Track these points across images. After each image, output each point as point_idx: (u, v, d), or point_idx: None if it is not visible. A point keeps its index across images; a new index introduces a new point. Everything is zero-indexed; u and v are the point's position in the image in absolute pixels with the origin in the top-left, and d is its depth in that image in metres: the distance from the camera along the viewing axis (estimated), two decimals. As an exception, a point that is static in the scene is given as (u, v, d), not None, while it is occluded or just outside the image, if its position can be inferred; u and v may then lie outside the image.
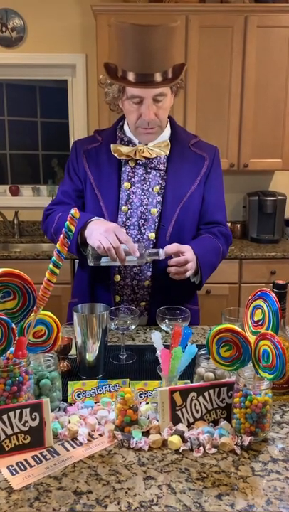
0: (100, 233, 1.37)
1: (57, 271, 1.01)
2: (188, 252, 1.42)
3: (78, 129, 3.45)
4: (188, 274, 1.43)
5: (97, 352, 1.22)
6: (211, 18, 2.96)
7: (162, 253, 1.41)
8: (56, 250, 1.00)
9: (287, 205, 3.37)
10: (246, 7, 3.01)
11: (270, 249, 3.10)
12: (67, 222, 1.00)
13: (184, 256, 1.41)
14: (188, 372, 1.15)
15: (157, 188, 1.55)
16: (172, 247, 1.41)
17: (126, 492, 0.84)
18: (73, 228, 1.00)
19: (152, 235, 1.54)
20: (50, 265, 1.01)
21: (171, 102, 1.53)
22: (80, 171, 1.62)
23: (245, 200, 3.42)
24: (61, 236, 1.00)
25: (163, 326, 1.33)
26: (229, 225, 3.37)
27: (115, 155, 1.55)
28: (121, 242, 1.36)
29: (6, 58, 3.33)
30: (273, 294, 0.99)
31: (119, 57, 1.42)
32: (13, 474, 0.88)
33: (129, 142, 1.57)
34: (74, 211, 1.00)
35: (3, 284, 0.97)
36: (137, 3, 3.04)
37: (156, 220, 1.55)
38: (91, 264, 1.42)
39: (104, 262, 1.41)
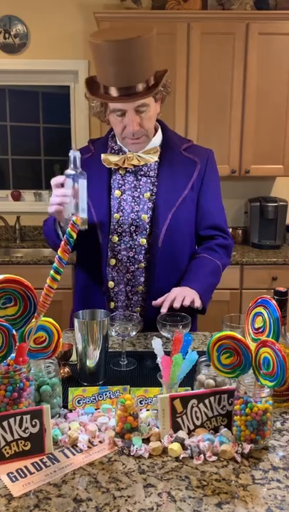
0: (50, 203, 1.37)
1: (58, 277, 1.01)
2: (171, 293, 1.43)
3: (80, 135, 3.47)
4: (188, 300, 1.40)
5: (97, 358, 1.22)
6: (212, 25, 2.98)
7: (74, 154, 1.33)
8: (57, 257, 1.01)
9: (288, 211, 3.37)
10: (248, 14, 3.03)
11: (272, 255, 3.10)
12: (69, 229, 1.00)
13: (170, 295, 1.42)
14: (189, 379, 1.14)
15: (148, 194, 1.56)
16: (158, 302, 1.43)
17: (126, 500, 0.84)
18: (74, 235, 1.01)
19: (143, 241, 1.56)
20: (52, 271, 1.01)
21: (157, 109, 1.54)
22: None
23: (247, 206, 3.43)
24: (62, 243, 1.00)
25: (164, 333, 1.33)
26: (230, 230, 3.36)
27: (104, 164, 1.57)
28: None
29: (9, 64, 3.35)
30: (274, 301, 1.00)
31: (99, 73, 1.44)
32: (13, 481, 0.88)
33: (119, 151, 1.59)
34: (75, 218, 1.00)
35: (4, 290, 0.98)
36: (139, 11, 3.06)
37: (148, 226, 1.56)
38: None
39: (67, 218, 1.36)
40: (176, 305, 1.38)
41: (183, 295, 1.41)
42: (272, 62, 3.04)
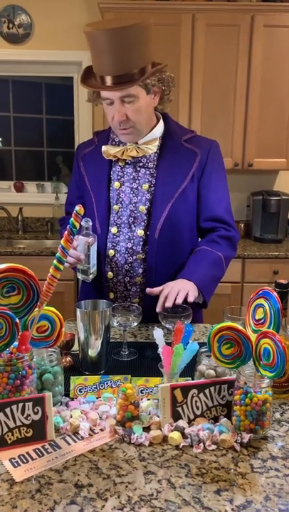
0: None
1: (61, 267, 1.02)
2: (166, 287, 1.42)
3: (83, 126, 3.46)
4: (180, 297, 1.38)
5: (99, 348, 1.23)
6: (217, 16, 2.96)
7: (86, 224, 1.47)
8: (60, 246, 1.01)
9: (291, 205, 3.37)
10: (253, 6, 3.00)
11: (273, 249, 3.10)
12: (72, 219, 1.00)
13: (164, 291, 1.41)
14: (190, 370, 1.15)
15: (146, 185, 1.57)
16: (153, 290, 1.45)
17: (126, 486, 0.85)
18: (77, 225, 1.01)
19: (141, 232, 1.57)
20: (55, 261, 1.01)
21: (153, 102, 1.52)
22: (80, 177, 1.68)
23: (249, 200, 3.42)
24: (66, 232, 1.01)
25: (165, 324, 1.34)
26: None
27: (104, 156, 1.58)
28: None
29: (13, 55, 3.34)
30: (275, 293, 1.00)
31: (92, 61, 1.45)
32: (15, 466, 0.90)
33: (120, 142, 1.60)
34: (78, 208, 1.01)
35: (7, 279, 0.98)
36: (143, 1, 3.04)
37: (145, 218, 1.57)
38: (83, 278, 1.54)
39: (79, 268, 1.52)
40: (168, 304, 1.36)
41: (176, 291, 1.39)
42: (277, 54, 3.02)
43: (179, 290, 1.40)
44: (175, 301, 1.37)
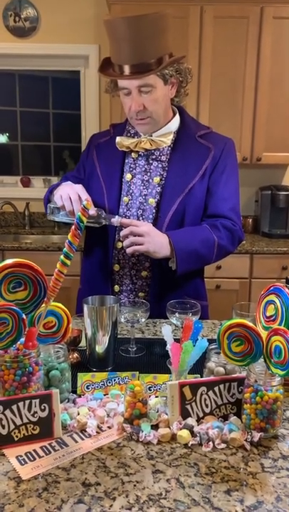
0: (63, 189, 1.50)
1: (68, 262, 1.01)
2: (142, 226, 1.44)
3: (90, 121, 3.44)
4: (143, 248, 1.42)
5: (106, 344, 1.22)
6: (226, 8, 2.92)
7: (117, 219, 1.47)
8: (68, 242, 1.00)
9: (299, 200, 3.33)
10: (262, -3, 2.96)
11: (282, 245, 3.07)
12: (79, 214, 0.99)
13: (137, 228, 1.43)
14: (199, 367, 1.14)
15: (157, 178, 1.55)
16: (127, 220, 1.48)
17: (134, 485, 0.83)
18: (85, 220, 0.99)
19: None
20: (62, 256, 1.00)
21: (167, 93, 1.50)
22: (89, 164, 1.67)
23: (258, 195, 3.39)
24: (73, 227, 0.99)
25: (173, 320, 1.33)
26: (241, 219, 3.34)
27: (118, 147, 1.58)
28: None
29: (19, 48, 3.32)
30: (287, 290, 0.98)
31: (110, 51, 1.46)
32: (22, 464, 0.89)
33: (135, 134, 1.59)
34: (86, 203, 0.99)
35: (14, 274, 0.97)
36: (151, -7, 3.00)
37: (154, 211, 1.55)
38: (49, 217, 1.58)
39: (60, 215, 1.54)
40: (124, 245, 1.45)
41: (140, 238, 1.42)
42: (287, 47, 2.98)
43: (144, 242, 1.42)
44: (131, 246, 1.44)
